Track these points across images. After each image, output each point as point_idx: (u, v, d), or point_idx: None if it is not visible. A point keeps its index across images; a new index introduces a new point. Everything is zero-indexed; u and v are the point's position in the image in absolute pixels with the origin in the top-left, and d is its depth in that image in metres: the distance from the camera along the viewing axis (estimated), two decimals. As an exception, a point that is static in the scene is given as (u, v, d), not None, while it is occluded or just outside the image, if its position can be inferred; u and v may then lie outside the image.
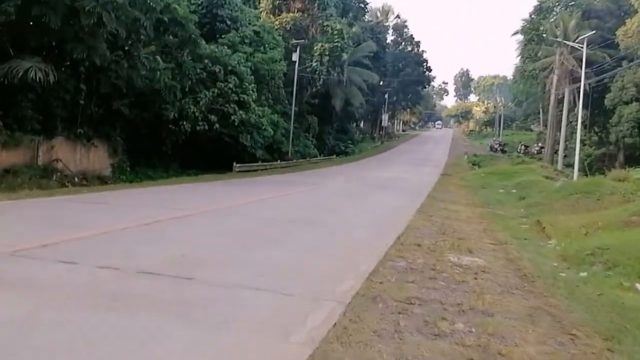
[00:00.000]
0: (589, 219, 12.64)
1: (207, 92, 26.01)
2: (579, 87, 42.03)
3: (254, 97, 28.39)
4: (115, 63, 22.43)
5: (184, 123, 25.47)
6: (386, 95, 78.18)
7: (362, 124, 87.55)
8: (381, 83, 77.40)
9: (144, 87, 23.00)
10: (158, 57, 22.23)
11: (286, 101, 41.18)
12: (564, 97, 44.43)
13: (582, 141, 53.57)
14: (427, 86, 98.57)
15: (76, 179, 22.71)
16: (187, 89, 25.04)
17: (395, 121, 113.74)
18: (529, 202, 18.20)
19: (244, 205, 12.75)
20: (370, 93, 67.67)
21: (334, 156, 48.89)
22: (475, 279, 7.11)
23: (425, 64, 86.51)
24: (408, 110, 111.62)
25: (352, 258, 7.64)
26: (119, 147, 25.43)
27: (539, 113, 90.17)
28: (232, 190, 17.43)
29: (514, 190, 24.80)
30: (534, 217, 15.06)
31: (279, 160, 35.30)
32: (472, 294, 6.27)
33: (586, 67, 33.86)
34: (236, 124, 27.12)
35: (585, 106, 48.32)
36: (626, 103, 48.59)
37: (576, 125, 47.33)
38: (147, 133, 26.17)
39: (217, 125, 26.42)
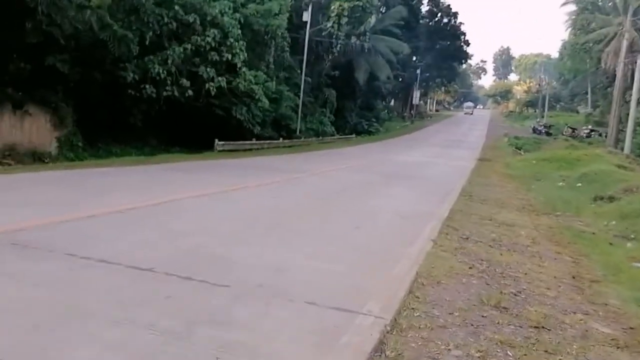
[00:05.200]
0: None
1: (177, 49, 20.02)
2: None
3: (242, 58, 22.28)
4: (52, 4, 16.74)
5: (147, 87, 19.61)
6: (418, 71, 70.84)
7: (392, 102, 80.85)
8: (414, 59, 70.46)
9: (85, 37, 17.25)
10: (88, -10, 16.33)
11: (298, 70, 34.99)
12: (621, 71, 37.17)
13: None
14: (464, 62, 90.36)
15: (-5, 156, 17.34)
16: (147, 43, 19.07)
17: (429, 100, 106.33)
18: (621, 207, 11.80)
19: (128, 213, 6.84)
20: (400, 67, 60.90)
21: (353, 135, 42.63)
22: None
23: (462, 37, 78.53)
24: (442, 88, 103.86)
25: None
26: (67, 117, 19.85)
27: (586, 93, 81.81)
28: (164, 180, 11.55)
29: (579, 184, 18.46)
30: (646, 241, 8.78)
31: (280, 139, 29.30)
32: None
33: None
34: (213, 92, 21.10)
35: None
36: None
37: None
38: (104, 100, 20.47)
39: (189, 92, 20.48)
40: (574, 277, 6.41)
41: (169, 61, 19.91)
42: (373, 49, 44.42)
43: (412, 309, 4.42)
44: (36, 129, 19.20)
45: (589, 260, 7.47)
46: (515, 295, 5.27)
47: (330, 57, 37.86)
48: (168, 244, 5.72)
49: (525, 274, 6.22)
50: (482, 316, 4.50)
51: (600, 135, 52.44)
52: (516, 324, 4.40)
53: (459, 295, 5.03)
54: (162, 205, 7.91)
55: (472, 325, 4.25)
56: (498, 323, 4.37)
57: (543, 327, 4.40)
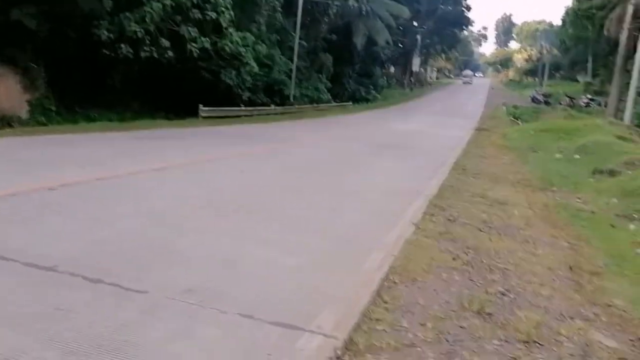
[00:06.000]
0: None
1: (155, 5, 18.74)
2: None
3: (228, 17, 21.01)
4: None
5: (123, 46, 18.45)
6: (418, 37, 68.87)
7: (391, 69, 79.08)
8: (414, 24, 68.40)
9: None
10: None
11: (292, 33, 33.52)
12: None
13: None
14: (465, 27, 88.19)
15: (-44, 123, 16.27)
16: (123, -1, 17.86)
17: (429, 68, 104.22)
18: (622, 183, 10.98)
19: (61, 190, 5.95)
20: (400, 32, 59.16)
21: (350, 103, 41.37)
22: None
23: (464, 1, 76.37)
24: (443, 55, 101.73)
25: None
26: (39, 79, 18.75)
27: (586, 62, 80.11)
28: (126, 150, 10.62)
29: (577, 156, 17.58)
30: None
31: (272, 106, 28.17)
32: None
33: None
34: (196, 54, 19.92)
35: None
36: None
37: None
38: (78, 60, 19.36)
39: (170, 53, 19.33)
40: (571, 269, 5.60)
41: (147, 19, 18.66)
42: (372, 12, 42.72)
43: (376, 319, 3.61)
44: (5, 90, 18.02)
45: (588, 246, 6.67)
46: (502, 295, 4.47)
47: (326, 19, 36.29)
48: (94, 231, 4.85)
49: (516, 265, 5.42)
50: (461, 327, 3.70)
51: (599, 104, 51.05)
52: (502, 338, 3.61)
53: (436, 296, 4.22)
54: (110, 180, 7.02)
55: (447, 340, 3.46)
56: (479, 337, 3.57)
57: (534, 342, 3.61)
